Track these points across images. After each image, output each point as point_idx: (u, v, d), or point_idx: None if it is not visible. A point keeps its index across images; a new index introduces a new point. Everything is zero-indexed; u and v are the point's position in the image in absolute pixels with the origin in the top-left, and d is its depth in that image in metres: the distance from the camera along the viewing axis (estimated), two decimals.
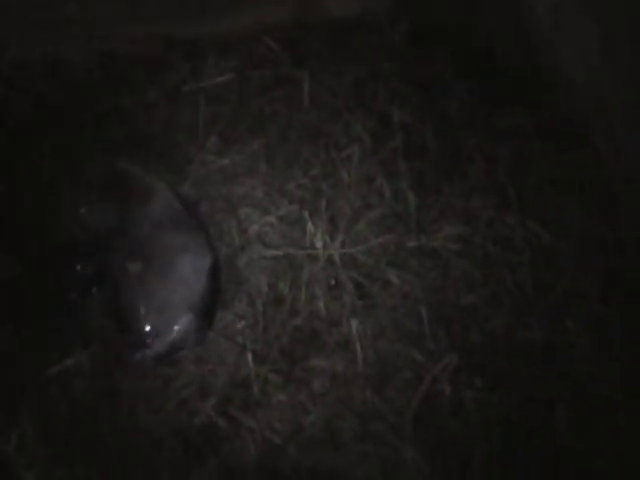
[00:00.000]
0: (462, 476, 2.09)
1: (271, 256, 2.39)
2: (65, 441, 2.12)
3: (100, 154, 2.53)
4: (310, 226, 2.39)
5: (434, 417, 2.17)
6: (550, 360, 2.25)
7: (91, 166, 2.47)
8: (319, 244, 2.37)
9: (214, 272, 2.32)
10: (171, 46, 2.75)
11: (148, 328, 2.21)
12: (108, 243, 2.32)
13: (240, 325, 2.30)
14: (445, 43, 2.78)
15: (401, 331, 2.29)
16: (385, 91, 2.64)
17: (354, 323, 2.26)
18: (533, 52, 2.74)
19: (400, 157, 2.51)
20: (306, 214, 2.41)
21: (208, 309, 2.29)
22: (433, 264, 2.38)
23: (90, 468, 2.09)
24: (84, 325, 2.28)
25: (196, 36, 2.73)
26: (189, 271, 2.28)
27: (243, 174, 2.53)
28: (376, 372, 2.23)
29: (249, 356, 2.23)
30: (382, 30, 2.81)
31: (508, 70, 2.71)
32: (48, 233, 2.39)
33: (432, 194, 2.47)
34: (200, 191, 2.49)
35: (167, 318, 2.22)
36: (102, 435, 2.14)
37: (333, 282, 2.34)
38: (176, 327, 2.22)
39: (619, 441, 2.12)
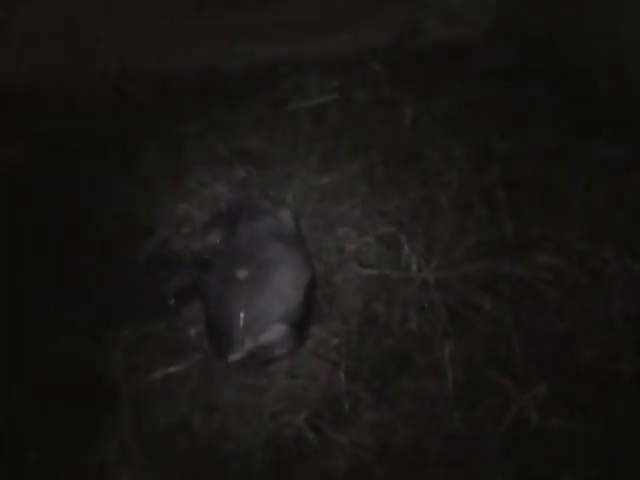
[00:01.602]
0: None
1: (367, 275, 2.43)
2: (160, 446, 2.19)
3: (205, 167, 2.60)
4: (406, 248, 2.43)
5: (520, 444, 2.18)
6: (638, 392, 2.25)
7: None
8: (414, 266, 2.41)
9: (311, 287, 2.37)
10: (276, 64, 2.80)
11: (243, 330, 2.27)
12: (213, 254, 2.40)
13: (334, 342, 2.35)
14: (544, 71, 2.78)
15: (492, 357, 2.31)
16: (485, 118, 2.66)
17: (446, 346, 2.29)
18: (633, 83, 2.73)
19: (498, 185, 2.53)
20: (403, 236, 2.45)
21: (302, 321, 2.34)
22: (526, 292, 2.40)
23: (182, 475, 2.16)
24: (186, 335, 2.35)
25: (301, 55, 2.78)
26: (288, 284, 2.33)
27: (342, 193, 2.58)
28: (465, 396, 2.25)
29: (341, 373, 2.28)
30: (483, 56, 2.81)
31: (608, 101, 2.70)
32: (153, 241, 2.48)
33: (528, 223, 2.49)
34: (299, 208, 2.53)
35: (262, 324, 2.28)
36: (195, 443, 2.20)
37: (427, 305, 2.37)
38: (269, 333, 2.27)
39: None
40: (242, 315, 2.29)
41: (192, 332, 2.36)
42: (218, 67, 2.78)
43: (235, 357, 2.28)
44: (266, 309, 2.31)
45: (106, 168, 2.60)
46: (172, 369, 2.29)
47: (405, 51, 2.81)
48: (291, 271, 2.35)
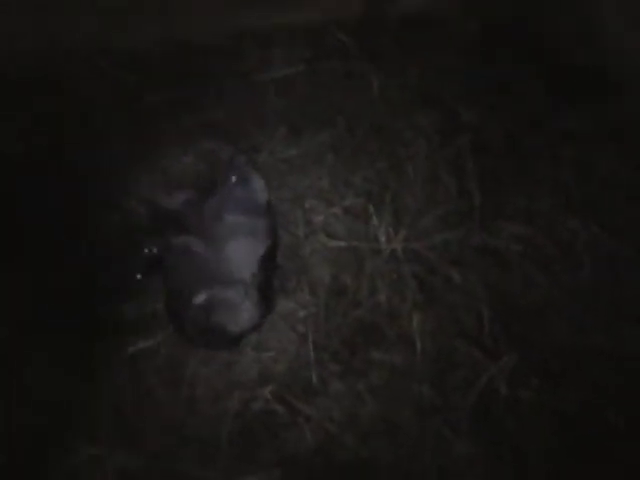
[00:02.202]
0: (516, 473, 2.11)
1: (335, 247, 2.41)
2: (129, 421, 2.18)
3: (172, 140, 2.57)
4: (375, 219, 2.41)
5: (490, 414, 2.18)
6: (608, 365, 2.25)
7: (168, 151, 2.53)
8: (383, 237, 2.39)
9: (270, 256, 2.34)
10: (243, 36, 2.75)
11: (199, 295, 2.23)
12: (175, 223, 2.36)
13: (302, 314, 2.33)
14: (513, 42, 2.76)
15: (461, 328, 2.30)
16: (453, 88, 2.64)
17: (415, 317, 2.28)
18: (600, 54, 2.72)
19: (466, 155, 2.51)
20: (371, 207, 2.43)
21: (263, 289, 2.30)
22: (495, 263, 2.39)
23: (151, 448, 2.14)
24: (153, 309, 2.32)
25: (268, 27, 2.74)
26: (245, 252, 2.30)
27: (310, 165, 2.55)
28: (434, 367, 2.25)
29: (310, 345, 2.26)
30: (451, 27, 2.79)
31: (575, 71, 2.69)
32: (117, 216, 2.44)
33: (497, 193, 2.47)
34: (267, 179, 2.50)
35: (223, 281, 2.26)
36: (164, 417, 2.19)
37: (395, 276, 2.36)
38: (231, 289, 2.24)
39: None
40: (200, 282, 2.27)
41: (159, 306, 2.32)
42: (185, 39, 2.73)
43: (200, 298, 2.23)
44: (225, 273, 2.28)
45: (72, 143, 2.55)
46: (141, 344, 2.26)
47: (373, 22, 2.77)
48: (251, 240, 2.32)
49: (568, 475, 2.11)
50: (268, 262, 2.33)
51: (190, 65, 2.71)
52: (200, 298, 2.23)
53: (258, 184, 2.38)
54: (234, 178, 2.37)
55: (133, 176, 2.51)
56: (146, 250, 2.36)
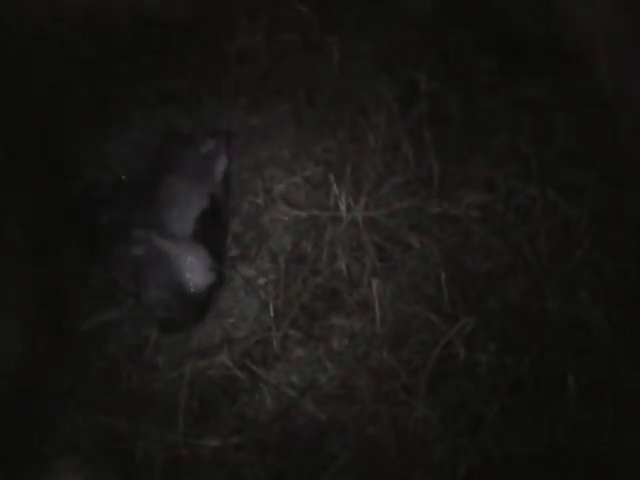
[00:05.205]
0: (472, 435, 2.14)
1: (295, 216, 2.43)
2: (93, 393, 2.22)
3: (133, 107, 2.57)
4: (335, 188, 2.42)
5: (448, 378, 2.22)
6: (563, 329, 2.28)
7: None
8: (343, 206, 2.40)
9: (213, 214, 2.39)
10: (203, 6, 2.75)
11: (190, 282, 2.30)
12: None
13: (262, 281, 2.36)
14: (471, 13, 2.77)
15: (419, 294, 2.33)
16: (413, 59, 2.65)
17: (374, 284, 2.30)
18: (556, 24, 2.72)
19: (425, 124, 2.52)
20: (331, 176, 2.44)
21: (214, 251, 2.35)
22: (454, 230, 2.41)
23: (113, 418, 2.17)
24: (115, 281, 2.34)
25: None
26: (190, 217, 2.35)
27: (271, 135, 2.56)
28: (393, 333, 2.28)
29: (270, 311, 2.29)
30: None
31: (532, 42, 2.69)
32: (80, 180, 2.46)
33: (455, 162, 2.49)
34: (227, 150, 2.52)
35: (200, 272, 2.30)
36: (126, 387, 2.23)
37: (355, 244, 2.38)
38: (205, 278, 2.29)
39: (625, 409, 2.17)
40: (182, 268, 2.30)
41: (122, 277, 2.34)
42: (146, 9, 2.72)
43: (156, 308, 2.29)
44: (195, 260, 2.32)
45: (30, 113, 2.55)
46: (105, 316, 2.28)
47: None
48: (196, 203, 2.38)
49: (522, 436, 2.14)
50: (214, 219, 2.38)
51: (151, 35, 2.70)
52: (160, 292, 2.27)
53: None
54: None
55: (93, 147, 2.51)
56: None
